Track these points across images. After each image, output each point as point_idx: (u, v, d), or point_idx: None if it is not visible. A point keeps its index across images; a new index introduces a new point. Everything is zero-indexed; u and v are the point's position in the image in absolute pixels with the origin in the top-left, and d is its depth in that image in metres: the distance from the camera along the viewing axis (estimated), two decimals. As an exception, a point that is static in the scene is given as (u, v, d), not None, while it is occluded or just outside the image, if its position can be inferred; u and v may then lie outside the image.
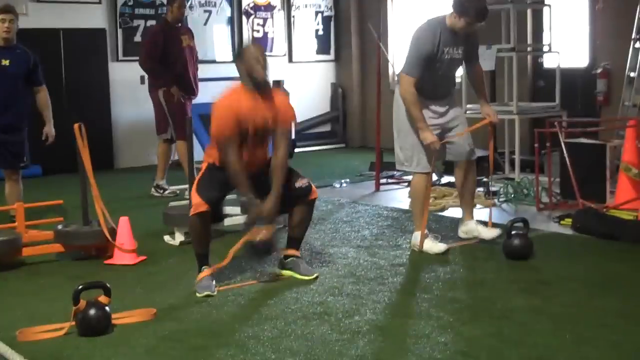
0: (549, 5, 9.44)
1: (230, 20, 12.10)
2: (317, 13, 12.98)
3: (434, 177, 5.89)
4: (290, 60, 12.61)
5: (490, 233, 6.01)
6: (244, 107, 5.00)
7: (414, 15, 12.14)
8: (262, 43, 11.92)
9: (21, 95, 6.83)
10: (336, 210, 7.70)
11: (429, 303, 4.75)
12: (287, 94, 10.68)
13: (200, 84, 8.87)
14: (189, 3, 11.46)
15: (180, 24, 8.53)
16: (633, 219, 6.36)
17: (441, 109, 5.89)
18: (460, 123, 5.95)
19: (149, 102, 11.02)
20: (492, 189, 7.73)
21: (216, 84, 8.01)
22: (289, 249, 5.38)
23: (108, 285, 4.40)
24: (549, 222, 6.84)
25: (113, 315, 4.39)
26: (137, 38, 11.15)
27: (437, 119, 5.84)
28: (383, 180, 8.98)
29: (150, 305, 4.73)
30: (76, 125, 5.83)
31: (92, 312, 4.26)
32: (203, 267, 5.11)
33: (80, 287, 4.30)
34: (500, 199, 7.67)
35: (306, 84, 12.62)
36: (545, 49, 9.63)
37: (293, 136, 7.96)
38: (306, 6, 12.88)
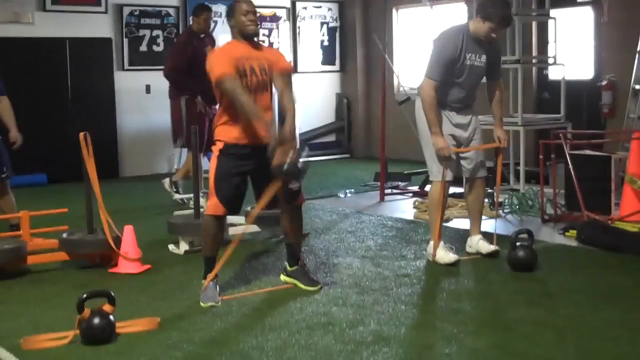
0: (554, 18, 9.44)
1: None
2: (322, 24, 13.01)
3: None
4: (295, 70, 12.61)
5: (488, 248, 6.00)
6: (239, 51, 5.00)
7: (419, 26, 12.17)
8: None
9: None
10: (341, 220, 7.69)
11: (433, 314, 4.73)
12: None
13: None
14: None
15: (204, 35, 8.51)
16: (638, 231, 6.34)
17: (464, 121, 5.90)
18: (477, 138, 5.97)
19: (154, 111, 11.07)
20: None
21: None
22: (291, 266, 5.36)
23: (112, 294, 4.40)
24: (553, 233, 6.82)
25: (117, 324, 4.38)
26: (143, 47, 11.19)
27: (457, 134, 5.87)
28: (388, 191, 8.98)
29: (154, 314, 4.72)
30: (81, 134, 5.83)
31: (96, 320, 4.26)
32: (209, 274, 5.07)
33: (85, 295, 4.30)
34: (505, 210, 7.66)
35: (311, 94, 12.64)
36: (550, 61, 9.63)
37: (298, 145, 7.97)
38: (312, 17, 12.91)
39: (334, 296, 5.10)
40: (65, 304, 4.93)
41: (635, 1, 9.48)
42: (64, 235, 6.08)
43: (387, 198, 8.79)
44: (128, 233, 5.94)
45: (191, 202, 7.54)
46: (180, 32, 11.39)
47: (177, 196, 8.64)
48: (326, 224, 7.46)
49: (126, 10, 11.09)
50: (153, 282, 5.58)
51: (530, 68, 10.29)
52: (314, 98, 12.71)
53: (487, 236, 6.14)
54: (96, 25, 10.87)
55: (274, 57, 5.16)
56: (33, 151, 10.13)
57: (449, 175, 5.88)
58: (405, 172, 9.74)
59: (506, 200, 7.78)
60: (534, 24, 10.31)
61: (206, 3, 8.93)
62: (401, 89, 11.07)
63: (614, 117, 9.57)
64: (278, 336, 4.34)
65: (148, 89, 11.27)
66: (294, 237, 5.32)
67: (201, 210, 6.50)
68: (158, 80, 11.12)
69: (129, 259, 5.85)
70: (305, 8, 12.79)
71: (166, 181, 8.72)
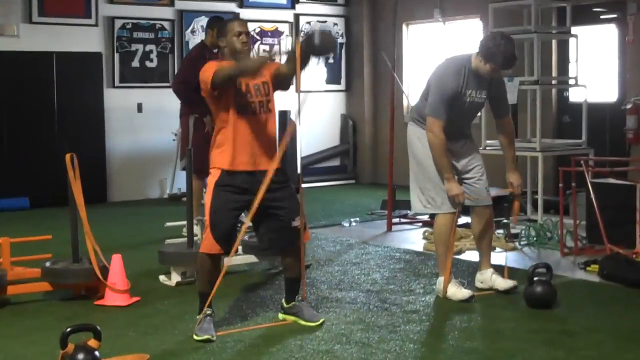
0: (576, 36, 9.48)
1: (235, 46, 12.17)
2: (327, 40, 13.03)
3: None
4: (298, 89, 12.61)
5: (505, 284, 5.99)
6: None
7: (430, 43, 12.21)
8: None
9: None
10: (345, 251, 7.69)
11: (444, 354, 4.72)
12: (293, 124, 10.74)
13: None
14: (190, 27, 11.56)
15: (217, 50, 8.53)
16: (665, 266, 6.33)
17: (458, 148, 5.92)
18: (477, 164, 5.98)
19: (146, 131, 11.12)
20: (513, 231, 7.72)
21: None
22: (288, 302, 5.36)
23: (98, 328, 4.39)
24: (574, 268, 6.81)
25: (103, 361, 4.38)
26: (135, 63, 11.24)
27: (454, 160, 5.88)
28: (395, 220, 8.98)
29: (143, 350, 4.72)
30: (68, 155, 5.85)
31: (80, 356, 4.24)
32: (204, 309, 5.07)
33: (69, 329, 4.29)
34: (522, 243, 7.65)
35: (315, 115, 12.64)
36: (572, 82, 9.66)
37: (299, 170, 8.00)
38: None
39: (336, 333, 5.09)
40: (48, 339, 4.92)
41: (663, 19, 9.53)
42: (47, 264, 6.07)
43: (394, 228, 8.79)
44: (116, 262, 5.94)
45: (184, 230, 7.55)
46: (175, 46, 11.46)
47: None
48: (329, 254, 7.46)
49: (118, 23, 11.16)
50: (142, 316, 5.57)
51: (550, 89, 10.32)
52: (317, 119, 12.72)
53: (499, 269, 6.12)
54: (85, 39, 10.93)
55: (266, 71, 5.21)
56: (15, 173, 10.20)
57: (455, 206, 5.86)
58: (415, 199, 9.74)
59: (523, 232, 7.77)
60: (554, 43, 10.34)
61: (219, 15, 8.91)
62: (410, 109, 11.10)
63: (639, 143, 9.58)
64: (276, 376, 4.33)
65: (140, 107, 11.30)
66: (296, 271, 5.33)
67: (195, 238, 6.51)
68: (150, 99, 11.27)
69: (117, 291, 5.84)
70: (309, 23, 12.85)
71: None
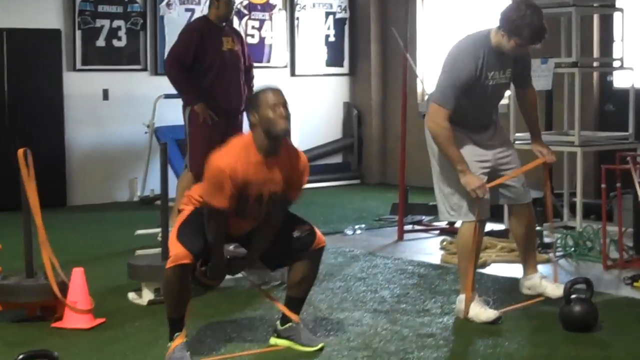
0: (621, 10, 9.48)
1: (218, 22, 12.18)
2: (327, 14, 13.06)
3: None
4: (292, 73, 12.67)
5: (557, 290, 6.01)
6: (252, 172, 4.99)
7: (449, 18, 12.21)
8: (257, 51, 11.99)
9: None
10: (348, 263, 7.70)
11: (464, 385, 4.73)
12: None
13: (171, 102, 8.74)
14: (166, 0, 11.57)
15: (225, 24, 8.52)
16: None
17: (486, 140, 5.93)
18: (512, 159, 6.00)
19: (113, 122, 11.14)
20: (547, 240, 7.71)
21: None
22: (283, 324, 5.37)
23: (56, 355, 4.39)
24: (618, 283, 6.82)
25: (62, 394, 4.37)
26: (100, 42, 11.23)
27: (484, 154, 5.88)
28: (408, 227, 8.98)
29: (109, 381, 4.72)
30: (20, 151, 5.84)
31: (35, 388, 4.24)
32: (176, 334, 5.08)
33: (21, 356, 4.28)
34: (557, 254, 7.65)
35: (313, 103, 12.66)
36: (616, 64, 9.67)
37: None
38: (314, 5, 12.96)
39: (338, 361, 5.11)
40: (-4, 367, 4.93)
41: None
42: (-4, 279, 6.08)
43: (406, 236, 8.79)
44: (77, 277, 5.93)
45: (159, 236, 7.54)
46: (147, 22, 11.46)
47: None
48: (329, 268, 7.47)
49: (80, -5, 11.17)
50: (108, 341, 5.58)
51: (591, 73, 10.32)
52: (316, 108, 12.73)
53: (548, 280, 6.15)
54: (41, 14, 10.93)
55: (293, 176, 5.22)
56: None
57: (485, 213, 5.88)
58: (431, 203, 9.73)
59: (559, 241, 7.77)
60: (595, 18, 10.34)
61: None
62: (426, 97, 11.12)
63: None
64: (266, 411, 4.35)
65: (106, 94, 11.31)
66: (300, 291, 5.35)
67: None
68: (118, 84, 11.27)
69: (78, 311, 5.84)
70: (306, -8, 12.86)
71: None
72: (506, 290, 6.57)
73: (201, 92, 8.18)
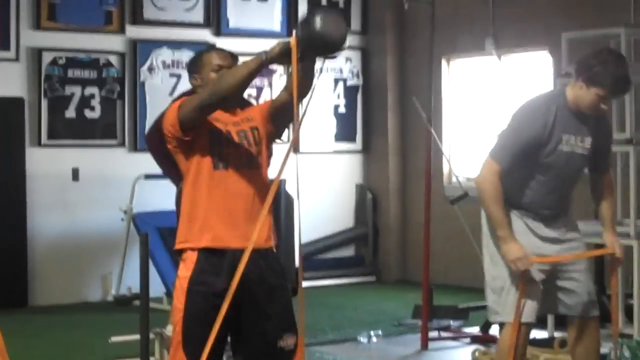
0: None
1: (209, 90, 12.25)
2: (337, 81, 13.12)
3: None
4: (296, 150, 12.64)
5: None
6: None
7: (481, 86, 12.26)
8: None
9: None
10: (362, 378, 7.67)
11: None
12: (291, 199, 10.80)
13: (153, 183, 8.68)
14: (148, 63, 11.61)
15: None
16: None
17: (553, 233, 5.88)
18: (578, 247, 5.97)
19: (84, 207, 11.17)
20: (603, 350, 7.67)
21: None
22: None
23: None
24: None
25: None
26: (71, 113, 11.27)
27: (543, 248, 5.84)
28: (434, 334, 8.94)
29: None
30: (-25, 243, 5.87)
31: None
32: None
33: None
34: (612, 367, 7.61)
35: (320, 185, 12.66)
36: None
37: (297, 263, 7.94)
38: (321, 71, 12.97)
39: None
40: None
41: None
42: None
43: (431, 345, 8.74)
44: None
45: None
46: (125, 90, 11.51)
47: None
48: (340, 383, 7.43)
49: (47, 57, 11.23)
50: None
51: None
52: (324, 191, 12.73)
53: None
54: (2, 79, 11.01)
55: (255, 112, 5.37)
56: None
57: (530, 314, 5.83)
58: (460, 305, 9.71)
59: (612, 353, 7.73)
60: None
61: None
62: (454, 179, 11.13)
63: None
64: None
65: (76, 174, 11.33)
66: None
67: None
68: (91, 162, 11.33)
69: None
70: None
71: None
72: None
73: None
